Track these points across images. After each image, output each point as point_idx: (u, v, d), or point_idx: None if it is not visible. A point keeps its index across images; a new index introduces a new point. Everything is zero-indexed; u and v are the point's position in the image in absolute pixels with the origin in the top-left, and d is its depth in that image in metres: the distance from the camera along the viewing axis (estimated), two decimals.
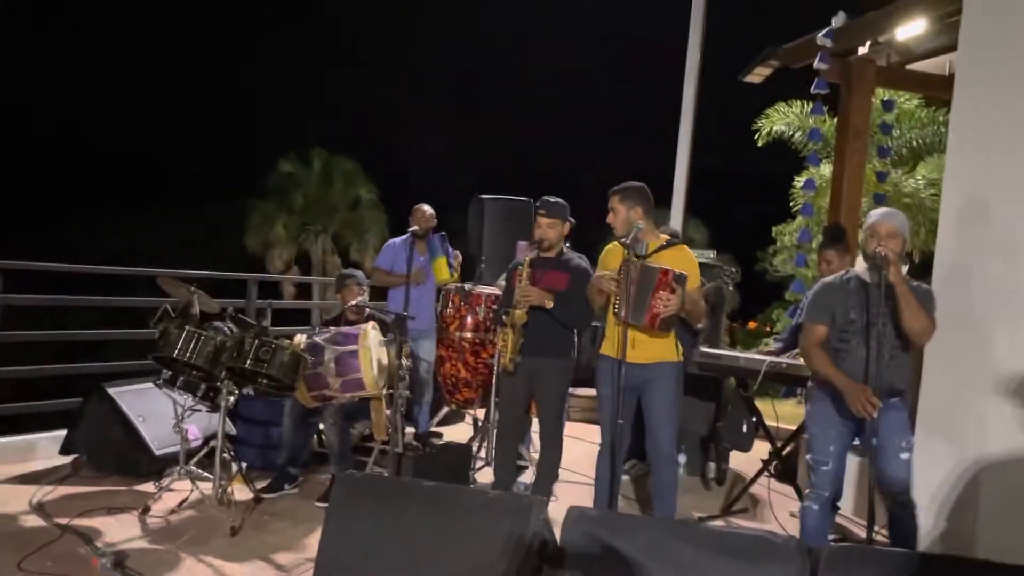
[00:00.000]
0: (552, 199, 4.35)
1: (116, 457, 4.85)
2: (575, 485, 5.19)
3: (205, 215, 27.64)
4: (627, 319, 3.68)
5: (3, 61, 32.78)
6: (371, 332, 4.72)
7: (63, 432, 5.03)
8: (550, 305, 4.20)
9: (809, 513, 3.56)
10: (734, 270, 5.16)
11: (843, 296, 3.50)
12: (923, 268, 4.22)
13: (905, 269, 3.44)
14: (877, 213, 3.49)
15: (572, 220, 4.44)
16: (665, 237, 4.07)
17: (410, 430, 5.72)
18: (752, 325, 23.00)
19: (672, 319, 3.76)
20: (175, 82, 41.87)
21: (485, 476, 5.14)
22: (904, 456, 3.42)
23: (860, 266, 3.51)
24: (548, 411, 4.45)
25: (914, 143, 11.19)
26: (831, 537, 3.96)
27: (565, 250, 4.45)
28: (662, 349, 3.90)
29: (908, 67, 6.54)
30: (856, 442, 3.70)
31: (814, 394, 3.65)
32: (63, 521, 4.01)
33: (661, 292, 3.67)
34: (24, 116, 33.98)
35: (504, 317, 4.32)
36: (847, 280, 3.54)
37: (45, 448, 5.14)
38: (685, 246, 4.08)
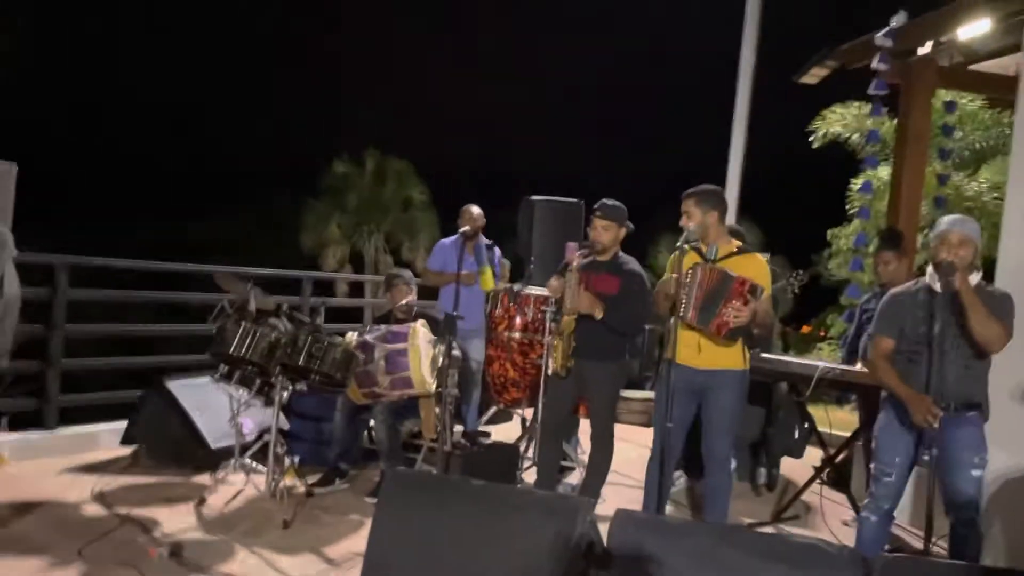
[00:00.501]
0: (610, 202, 4.27)
1: (173, 449, 4.98)
2: (624, 488, 5.17)
3: (262, 213, 28.17)
4: (693, 322, 3.63)
5: (73, 59, 33.84)
6: (420, 331, 4.76)
7: (124, 423, 5.19)
8: (600, 315, 4.16)
9: (867, 524, 3.49)
10: (801, 272, 5.05)
11: (912, 307, 3.42)
12: (985, 274, 4.10)
13: (978, 276, 3.35)
14: (947, 220, 3.40)
15: (630, 225, 4.37)
16: (737, 243, 3.97)
17: (458, 428, 5.76)
18: (806, 329, 22.55)
19: (740, 330, 3.70)
20: (234, 83, 42.76)
21: (532, 476, 5.13)
22: (975, 473, 3.32)
23: (929, 275, 3.42)
24: (599, 414, 4.43)
25: (977, 145, 10.84)
26: (886, 548, 3.88)
27: (620, 254, 4.40)
28: (728, 356, 3.83)
29: (971, 67, 6.36)
30: (925, 456, 3.60)
31: (884, 404, 3.58)
32: (122, 510, 4.14)
33: (735, 301, 3.60)
34: (92, 114, 35.09)
35: (552, 325, 4.30)
36: (916, 291, 3.46)
37: (106, 439, 5.31)
38: (758, 254, 3.97)
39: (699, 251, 3.86)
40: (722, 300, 3.60)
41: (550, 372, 4.35)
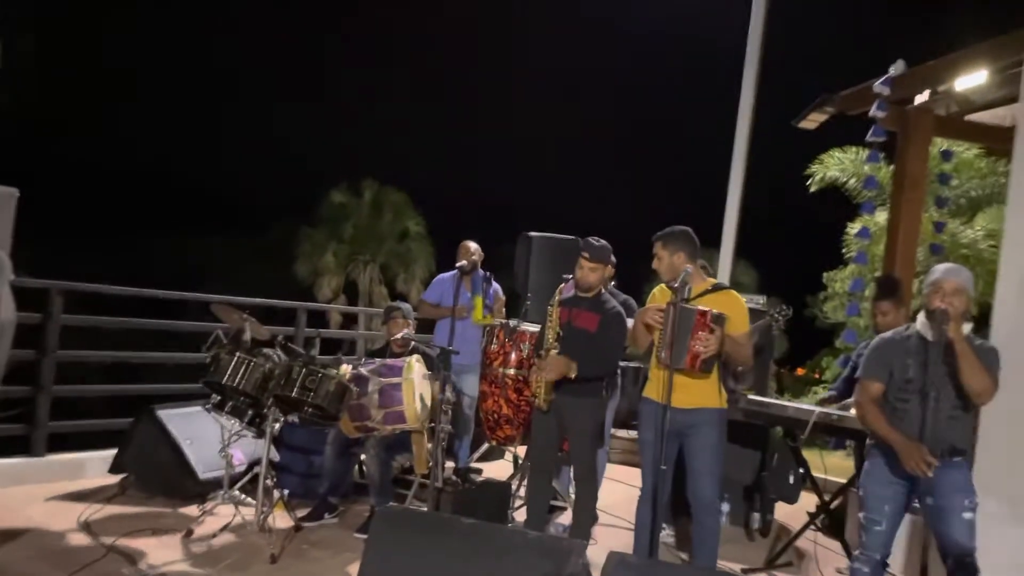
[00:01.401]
0: (596, 241, 4.29)
1: (162, 478, 4.93)
2: (614, 529, 5.12)
3: (258, 241, 28.23)
4: (667, 361, 3.65)
5: (69, 85, 34.05)
6: (415, 365, 4.74)
7: (112, 451, 5.13)
8: (574, 375, 4.15)
9: (859, 575, 3.45)
10: (786, 307, 5.04)
11: (902, 353, 3.42)
12: (981, 320, 4.11)
13: (969, 327, 3.35)
14: (941, 269, 3.42)
15: (614, 261, 4.39)
16: (712, 281, 4.03)
17: (450, 464, 5.71)
18: (800, 372, 22.57)
19: (712, 360, 3.73)
20: (231, 111, 43.09)
21: (523, 514, 5.09)
22: (967, 516, 3.30)
23: (920, 322, 3.43)
24: (579, 451, 4.39)
25: (972, 193, 10.94)
26: None
27: (603, 292, 4.41)
28: (705, 394, 3.84)
29: (967, 117, 6.44)
30: (916, 504, 3.58)
31: (871, 451, 3.56)
32: (108, 540, 4.08)
33: (700, 333, 3.65)
34: (89, 139, 35.23)
35: (536, 360, 4.31)
36: (907, 336, 3.46)
37: (95, 466, 5.25)
38: (733, 291, 4.01)
39: (673, 289, 3.87)
40: (688, 334, 3.65)
41: (533, 406, 4.36)
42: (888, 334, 3.59)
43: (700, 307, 3.72)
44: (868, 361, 3.55)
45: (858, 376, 3.61)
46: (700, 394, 3.84)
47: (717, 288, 3.96)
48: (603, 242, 4.31)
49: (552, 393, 4.26)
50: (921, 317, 3.42)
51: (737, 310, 3.86)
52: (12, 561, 3.76)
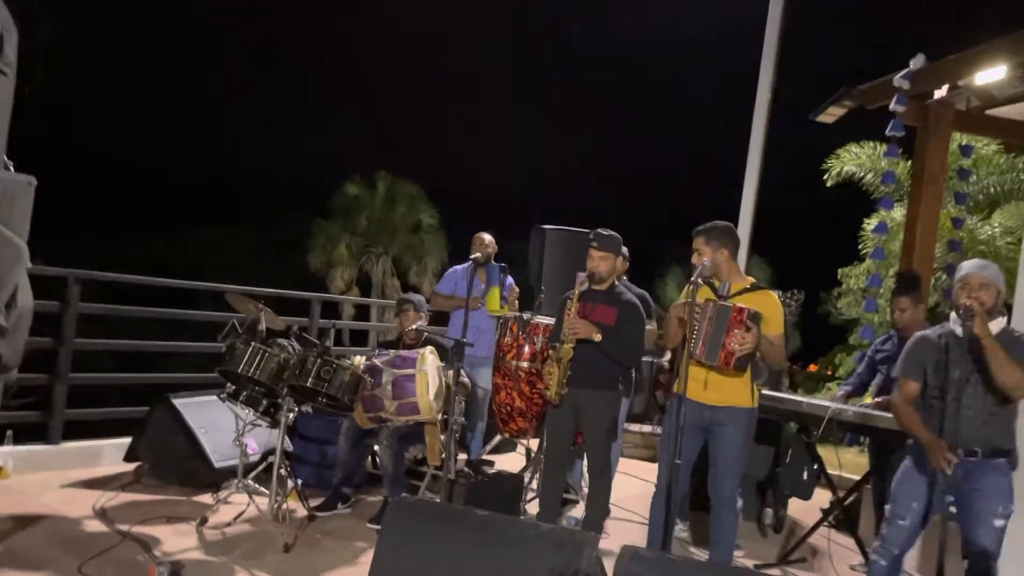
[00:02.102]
0: (605, 232, 4.27)
1: (177, 467, 4.96)
2: (627, 524, 5.11)
3: (272, 232, 28.33)
4: (701, 357, 3.62)
5: (79, 71, 34.22)
6: (429, 357, 4.74)
7: (128, 439, 5.17)
8: (598, 338, 4.14)
9: (876, 568, 3.44)
10: (798, 291, 5.00)
11: (935, 352, 3.40)
12: None
13: (1004, 321, 3.32)
14: (968, 265, 3.38)
15: (626, 253, 4.34)
16: (751, 280, 3.95)
17: (462, 456, 5.72)
18: (813, 368, 22.42)
19: (747, 359, 3.68)
20: (249, 102, 43.20)
21: (536, 508, 5.09)
22: (998, 523, 3.25)
23: (952, 319, 3.39)
24: (594, 445, 4.38)
25: (991, 189, 10.85)
26: None
27: (617, 284, 4.41)
28: (736, 393, 3.80)
29: (988, 112, 6.37)
30: (950, 501, 3.53)
31: (909, 448, 3.54)
32: (124, 528, 4.11)
33: (736, 330, 3.59)
34: (102, 129, 35.43)
35: (551, 351, 4.29)
36: (940, 335, 3.44)
37: (110, 454, 5.29)
38: (772, 292, 3.94)
39: (712, 287, 3.85)
40: (724, 332, 3.60)
41: (546, 399, 4.33)
42: (925, 332, 3.56)
43: (737, 304, 3.67)
44: (905, 360, 3.53)
45: (895, 375, 3.59)
46: (732, 392, 3.79)
47: (756, 287, 3.90)
48: (613, 232, 4.30)
49: (565, 387, 4.24)
50: (953, 315, 3.39)
51: (774, 310, 3.79)
52: (28, 547, 3.79)
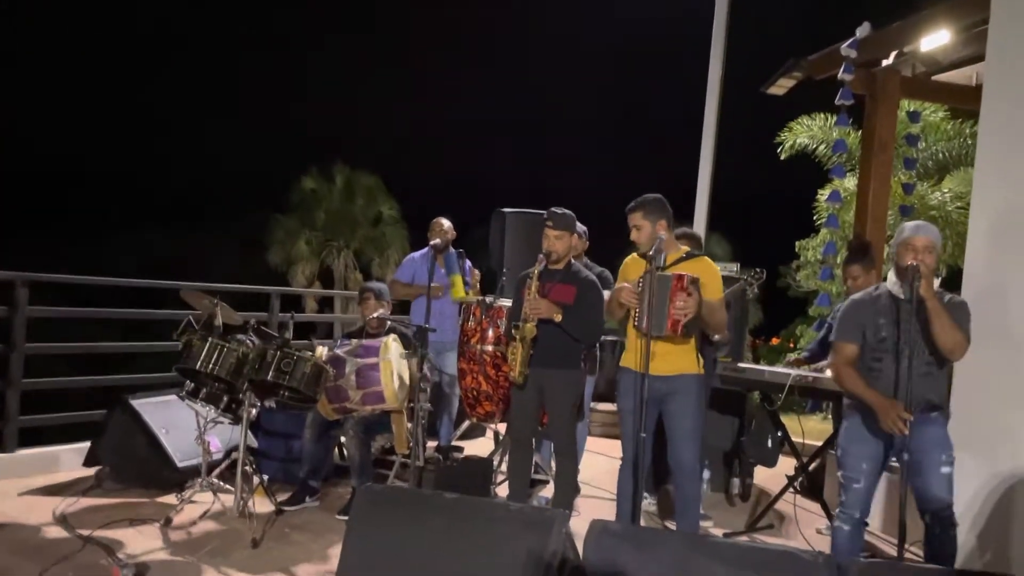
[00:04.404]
0: (559, 210, 4.27)
1: (139, 469, 4.86)
2: (597, 500, 5.14)
3: (229, 230, 27.91)
4: (649, 330, 3.64)
5: (39, 79, 33.45)
6: (392, 345, 4.71)
7: (87, 444, 5.05)
8: (559, 318, 4.15)
9: (840, 533, 3.49)
10: (759, 270, 5.06)
11: (873, 313, 3.44)
12: (950, 283, 4.15)
13: (938, 283, 3.38)
14: (911, 226, 3.42)
15: (582, 231, 4.33)
16: (685, 249, 4.01)
17: (432, 443, 5.69)
18: (775, 341, 22.77)
19: (694, 323, 3.74)
20: (201, 98, 42.47)
21: (506, 490, 5.09)
22: (945, 470, 3.34)
23: (890, 280, 3.45)
24: (558, 423, 4.38)
25: (940, 156, 11.06)
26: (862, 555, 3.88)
27: (574, 262, 4.41)
28: (683, 361, 3.86)
29: (934, 78, 6.46)
30: (894, 461, 3.61)
31: (847, 411, 3.59)
32: (85, 532, 4.01)
33: (677, 297, 3.65)
34: (53, 132, 34.61)
35: (514, 331, 4.29)
36: (877, 296, 3.48)
37: (68, 460, 5.17)
38: (707, 258, 4.02)
39: (648, 258, 3.86)
40: (667, 300, 3.64)
41: (509, 380, 4.33)
42: (858, 295, 3.61)
43: (675, 272, 3.71)
44: (841, 324, 3.57)
45: (832, 339, 3.63)
46: (678, 361, 3.85)
47: (690, 256, 3.96)
48: (566, 211, 4.30)
49: (527, 367, 4.24)
50: (891, 275, 3.43)
51: (711, 276, 3.86)
52: None
